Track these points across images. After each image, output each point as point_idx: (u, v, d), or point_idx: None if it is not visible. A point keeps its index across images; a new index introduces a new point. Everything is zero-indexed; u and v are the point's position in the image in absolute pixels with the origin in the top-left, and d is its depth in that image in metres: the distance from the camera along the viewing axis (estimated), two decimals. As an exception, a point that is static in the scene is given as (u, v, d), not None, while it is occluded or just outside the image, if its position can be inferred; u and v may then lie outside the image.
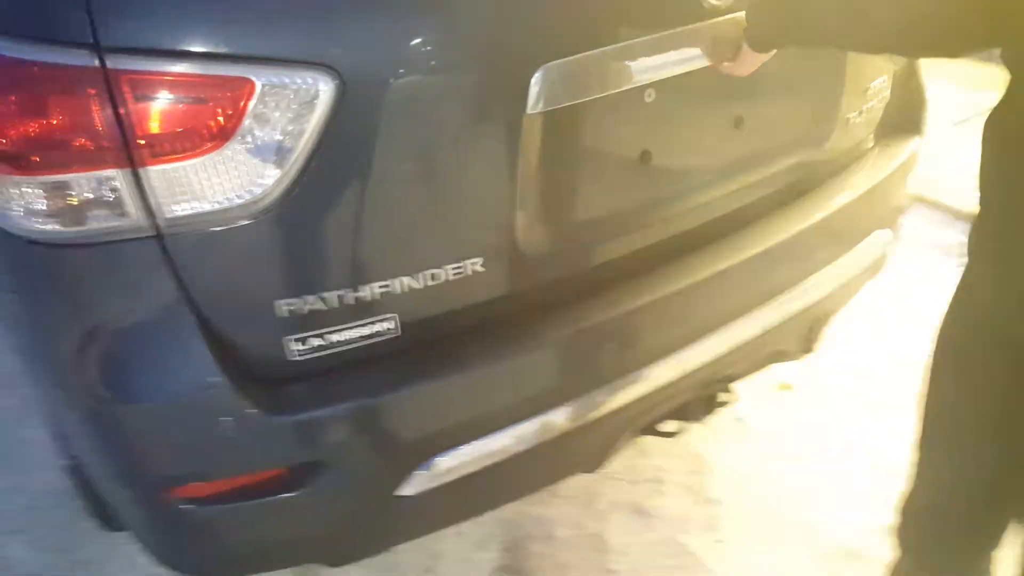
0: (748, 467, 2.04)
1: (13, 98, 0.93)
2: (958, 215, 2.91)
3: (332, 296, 1.10)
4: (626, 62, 1.20)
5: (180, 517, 1.14)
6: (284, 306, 1.08)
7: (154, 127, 0.96)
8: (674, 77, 1.27)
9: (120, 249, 1.00)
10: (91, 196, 0.96)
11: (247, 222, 1.02)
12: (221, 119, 0.97)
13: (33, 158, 0.95)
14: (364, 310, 1.13)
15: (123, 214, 0.97)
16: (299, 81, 0.98)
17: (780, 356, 1.64)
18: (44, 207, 0.96)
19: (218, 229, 1.02)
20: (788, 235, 1.45)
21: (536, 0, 1.13)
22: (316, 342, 1.12)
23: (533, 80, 1.12)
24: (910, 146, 1.71)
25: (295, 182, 1.02)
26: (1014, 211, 0.97)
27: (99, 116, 0.93)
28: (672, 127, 1.34)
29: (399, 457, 1.19)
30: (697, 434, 2.11)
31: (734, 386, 1.59)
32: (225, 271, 1.05)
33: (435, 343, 1.21)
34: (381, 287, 1.13)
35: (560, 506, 1.94)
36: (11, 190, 0.96)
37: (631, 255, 1.36)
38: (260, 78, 0.97)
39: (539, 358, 1.28)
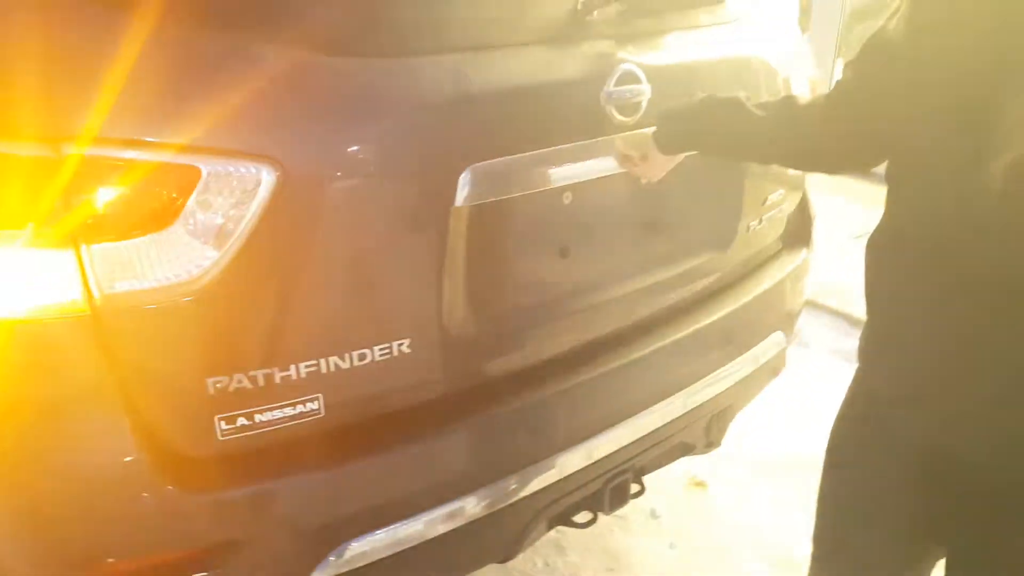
0: (662, 562, 2.09)
1: None
2: (855, 322, 3.11)
3: (260, 375, 1.13)
4: (543, 167, 1.33)
5: None
6: (213, 384, 1.10)
7: (103, 208, 1.01)
8: (589, 183, 1.39)
9: (55, 327, 1.02)
10: (34, 275, 1.00)
11: (184, 300, 1.06)
12: (167, 203, 1.03)
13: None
14: (290, 389, 1.16)
15: (63, 293, 1.00)
16: (242, 170, 1.05)
17: (687, 449, 1.72)
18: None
19: (155, 306, 1.05)
20: (690, 333, 1.57)
21: (465, 110, 1.25)
22: (242, 421, 1.14)
23: (461, 178, 1.22)
24: (800, 256, 1.87)
25: (232, 264, 1.07)
26: (895, 318, 1.09)
27: (49, 199, 0.98)
28: (588, 228, 1.46)
29: (314, 540, 1.20)
30: (613, 530, 2.16)
31: (646, 479, 1.65)
32: (159, 348, 1.08)
33: (355, 426, 1.24)
34: (308, 367, 1.17)
35: (477, 603, 1.95)
36: None
37: (548, 344, 1.43)
38: (206, 166, 1.04)
39: (455, 443, 1.32)
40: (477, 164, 1.24)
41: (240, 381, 1.12)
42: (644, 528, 2.19)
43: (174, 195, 1.03)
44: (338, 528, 1.22)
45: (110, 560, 1.12)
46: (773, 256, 1.83)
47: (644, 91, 1.39)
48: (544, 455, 1.39)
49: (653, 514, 2.23)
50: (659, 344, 1.53)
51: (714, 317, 1.62)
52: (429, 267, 1.25)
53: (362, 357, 1.20)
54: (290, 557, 1.21)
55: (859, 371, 1.19)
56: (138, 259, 1.03)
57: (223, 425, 1.13)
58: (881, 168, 1.16)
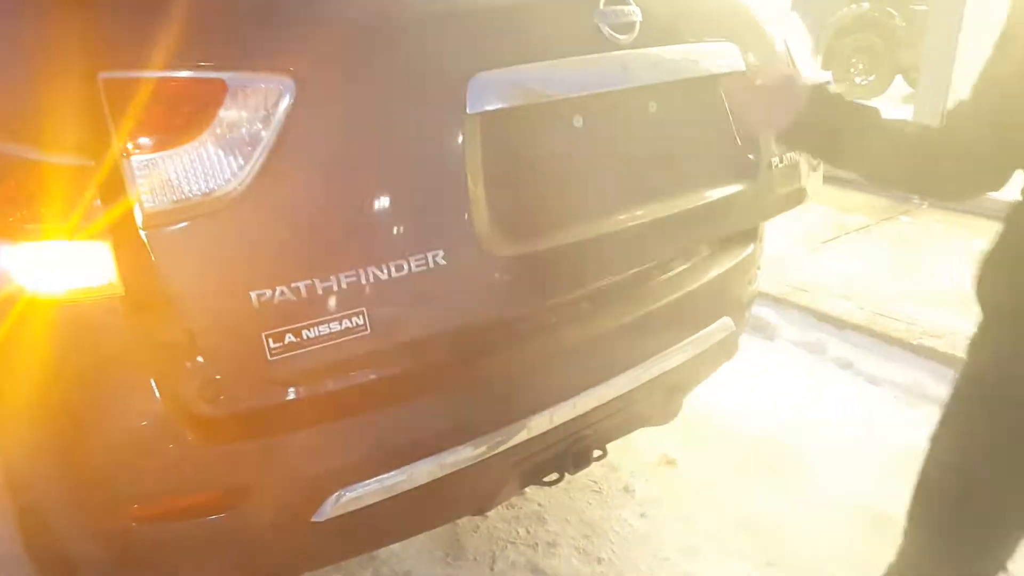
0: (634, 530, 2.29)
1: (27, 187, 1.17)
2: (821, 317, 3.33)
3: (302, 286, 1.19)
4: (547, 77, 1.45)
5: (131, 537, 1.32)
6: (258, 297, 1.16)
7: (138, 124, 1.12)
8: (599, 105, 1.53)
9: (95, 305, 1.18)
10: (76, 262, 1.16)
11: (219, 212, 1.15)
12: (197, 114, 1.14)
13: (37, 232, 1.16)
14: (334, 302, 1.21)
15: (102, 276, 1.17)
16: (263, 84, 1.17)
17: (643, 420, 1.93)
18: (38, 269, 1.17)
19: (193, 221, 1.14)
20: (643, 314, 1.76)
21: (469, 24, 1.39)
22: (290, 338, 1.20)
23: (469, 86, 1.34)
24: (747, 248, 2.06)
25: (261, 173, 1.16)
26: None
27: (92, 202, 1.14)
28: (596, 155, 1.58)
29: (315, 484, 1.39)
30: (589, 503, 2.37)
31: (620, 458, 1.76)
32: (202, 262, 1.17)
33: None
34: (348, 277, 1.22)
35: (463, 567, 2.14)
36: (15, 255, 1.18)
37: (574, 267, 1.54)
38: (231, 80, 1.16)
39: (447, 399, 1.50)
40: (483, 72, 1.35)
41: (283, 293, 1.18)
42: (618, 501, 2.39)
43: (203, 108, 1.14)
44: (337, 475, 1.40)
45: (147, 503, 1.32)
46: (721, 248, 2.02)
47: (634, 12, 1.54)
48: (519, 415, 1.57)
49: (627, 488, 2.43)
50: (614, 322, 1.72)
51: (663, 301, 1.81)
52: (452, 174, 1.33)
53: (399, 268, 1.26)
54: (296, 498, 1.40)
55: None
56: (174, 170, 1.13)
57: (272, 343, 1.19)
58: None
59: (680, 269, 1.90)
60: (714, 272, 1.95)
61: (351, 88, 1.26)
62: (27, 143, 1.19)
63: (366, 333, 1.26)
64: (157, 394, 1.26)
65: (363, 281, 1.24)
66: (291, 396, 1.38)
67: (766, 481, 2.46)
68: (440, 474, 1.51)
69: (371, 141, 1.26)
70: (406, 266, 1.27)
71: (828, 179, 4.78)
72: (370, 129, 1.26)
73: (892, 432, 2.68)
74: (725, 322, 2.00)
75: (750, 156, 1.80)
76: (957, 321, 3.20)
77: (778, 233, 4.04)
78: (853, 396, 2.91)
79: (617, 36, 1.53)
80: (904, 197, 4.59)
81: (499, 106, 1.38)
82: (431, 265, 1.30)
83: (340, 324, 1.23)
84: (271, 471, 1.38)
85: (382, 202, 1.28)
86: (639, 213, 1.62)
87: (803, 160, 1.93)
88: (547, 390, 1.64)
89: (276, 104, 1.18)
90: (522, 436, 1.60)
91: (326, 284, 1.21)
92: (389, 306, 1.28)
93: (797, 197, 1.96)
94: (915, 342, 3.07)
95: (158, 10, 1.17)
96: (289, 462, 1.39)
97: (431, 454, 1.50)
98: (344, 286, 1.22)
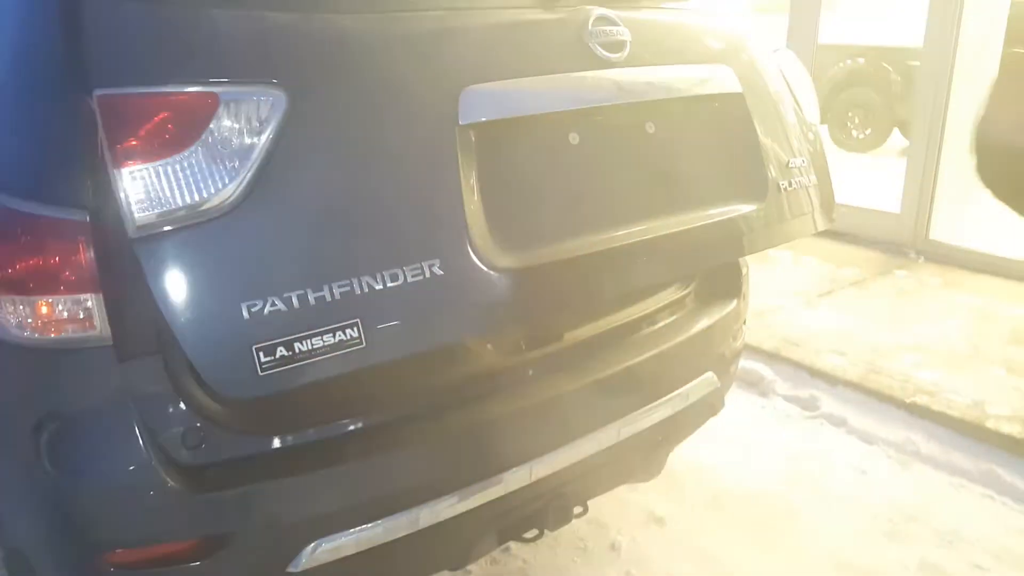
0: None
1: (20, 240, 1.20)
2: (814, 373, 3.33)
3: (294, 296, 1.18)
4: (534, 90, 1.49)
5: None
6: (248, 308, 1.15)
7: (132, 140, 1.14)
8: (594, 123, 1.56)
9: (84, 355, 1.22)
10: (67, 314, 1.20)
11: (211, 221, 1.15)
12: (189, 127, 1.16)
13: (30, 285, 1.20)
14: (326, 313, 1.20)
15: (91, 327, 1.21)
16: (255, 97, 1.20)
17: (626, 477, 1.92)
18: (30, 320, 1.21)
19: (184, 231, 1.14)
20: (623, 368, 1.76)
21: (460, 39, 1.44)
22: (282, 352, 1.17)
23: (461, 98, 1.38)
24: (731, 304, 2.07)
25: (254, 185, 1.18)
26: None
27: (83, 255, 1.18)
28: (593, 173, 1.60)
29: (293, 534, 1.38)
30: (574, 560, 2.34)
31: (606, 515, 1.73)
32: (193, 270, 1.15)
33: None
34: (341, 287, 1.21)
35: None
36: (8, 307, 1.21)
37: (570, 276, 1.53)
38: (223, 94, 1.19)
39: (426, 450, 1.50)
40: (475, 85, 1.40)
41: (274, 304, 1.17)
42: (604, 559, 2.36)
43: (195, 119, 1.16)
44: (316, 525, 1.40)
45: (125, 548, 1.32)
46: (705, 302, 2.04)
47: (623, 32, 1.60)
48: (497, 469, 1.56)
49: (613, 546, 2.40)
50: (594, 376, 1.72)
51: (645, 355, 1.81)
52: (446, 185, 1.35)
53: (394, 277, 1.25)
54: (273, 548, 1.39)
55: None
56: (165, 180, 1.14)
57: (262, 357, 1.16)
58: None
59: (663, 323, 1.91)
60: (697, 327, 1.96)
61: (343, 100, 1.29)
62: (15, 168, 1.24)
63: (361, 346, 1.24)
64: (140, 441, 1.28)
65: (357, 291, 1.23)
66: (272, 442, 1.41)
67: (756, 539, 2.44)
68: (416, 527, 1.50)
69: (363, 151, 1.29)
70: (401, 276, 1.27)
71: (822, 232, 4.84)
72: (362, 140, 1.29)
73: (884, 491, 2.67)
74: (709, 378, 1.99)
75: (755, 181, 1.80)
76: (951, 379, 3.20)
77: (772, 286, 4.08)
78: (845, 454, 2.89)
79: (608, 54, 1.58)
80: (899, 251, 4.61)
81: (490, 118, 1.42)
82: (427, 275, 1.30)
83: (333, 336, 1.21)
84: (250, 520, 1.38)
85: (375, 211, 1.29)
86: (637, 231, 1.62)
87: (812, 187, 1.91)
88: (526, 444, 1.63)
89: (268, 116, 1.21)
90: (499, 490, 1.59)
91: (319, 294, 1.20)
92: (385, 317, 1.26)
93: (804, 226, 1.92)
94: (908, 400, 3.06)
95: (150, 24, 1.20)
96: (268, 511, 1.39)
97: (408, 506, 1.49)
98: (337, 296, 1.21)
